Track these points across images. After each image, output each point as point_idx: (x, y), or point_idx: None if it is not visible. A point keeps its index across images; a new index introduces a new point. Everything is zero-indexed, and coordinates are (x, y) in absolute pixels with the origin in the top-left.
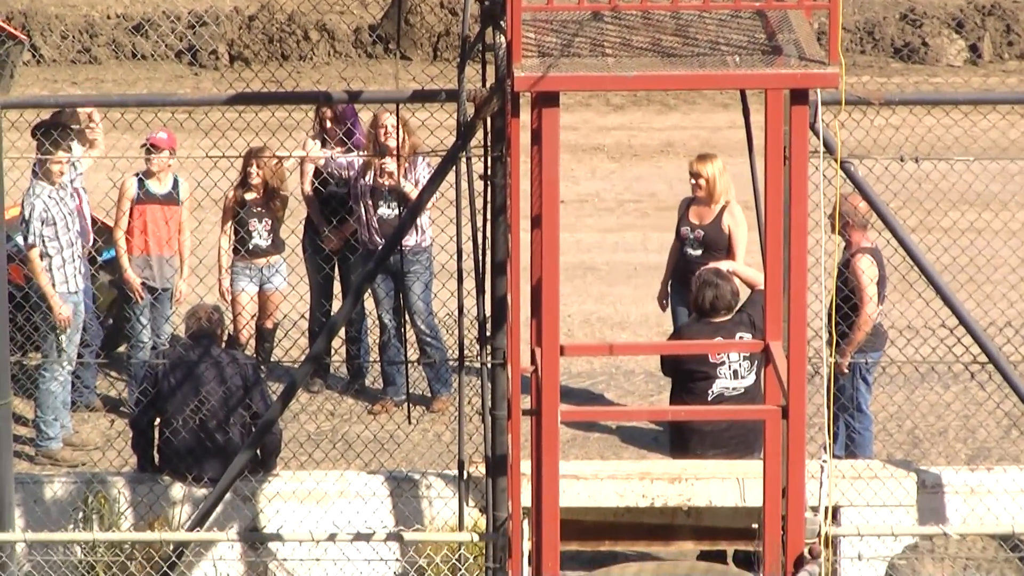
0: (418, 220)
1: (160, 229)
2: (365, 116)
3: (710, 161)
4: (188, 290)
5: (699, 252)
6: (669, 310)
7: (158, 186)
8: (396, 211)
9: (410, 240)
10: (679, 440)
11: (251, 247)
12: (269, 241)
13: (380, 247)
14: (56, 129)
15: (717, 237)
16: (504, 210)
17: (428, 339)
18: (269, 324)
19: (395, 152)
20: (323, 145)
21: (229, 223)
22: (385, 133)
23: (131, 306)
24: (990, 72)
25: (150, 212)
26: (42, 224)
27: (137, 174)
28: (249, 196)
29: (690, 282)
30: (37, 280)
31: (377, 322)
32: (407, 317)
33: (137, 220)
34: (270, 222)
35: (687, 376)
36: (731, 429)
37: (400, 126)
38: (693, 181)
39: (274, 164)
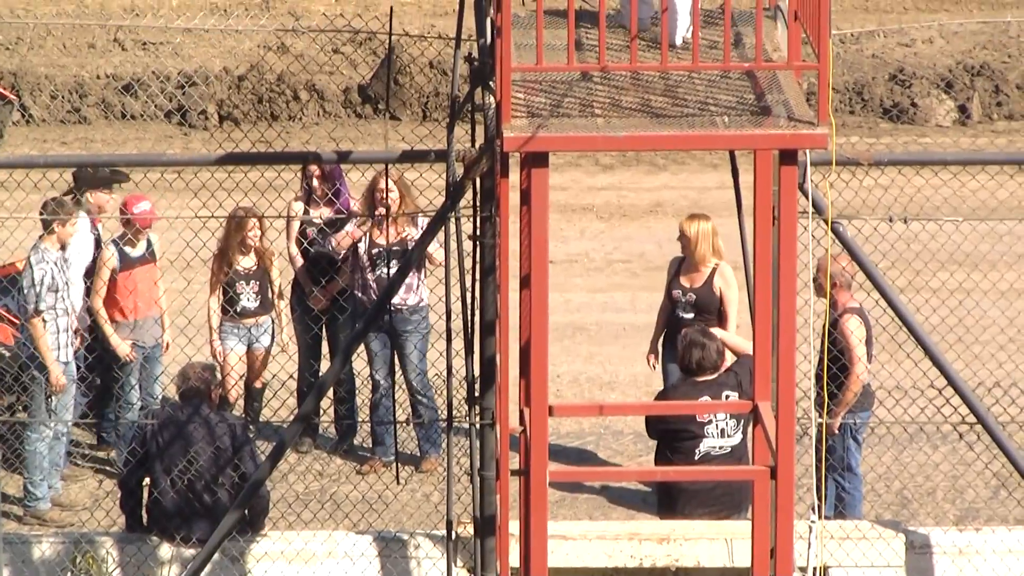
0: (416, 279)
1: (145, 291)
2: (354, 176)
3: (697, 220)
4: (176, 348)
5: (691, 315)
6: (660, 369)
7: (135, 249)
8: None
9: (410, 299)
10: (666, 500)
11: (239, 309)
12: (257, 303)
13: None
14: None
15: (709, 300)
16: (493, 270)
17: (421, 398)
18: (258, 384)
19: (392, 212)
20: (307, 205)
21: (218, 285)
22: (384, 195)
23: (120, 368)
24: (979, 132)
25: (132, 277)
26: (47, 291)
27: (113, 241)
28: (244, 260)
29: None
30: (39, 347)
31: (367, 382)
32: (399, 376)
33: (122, 286)
34: (258, 283)
35: (674, 436)
36: (719, 488)
37: (399, 186)
38: (683, 243)
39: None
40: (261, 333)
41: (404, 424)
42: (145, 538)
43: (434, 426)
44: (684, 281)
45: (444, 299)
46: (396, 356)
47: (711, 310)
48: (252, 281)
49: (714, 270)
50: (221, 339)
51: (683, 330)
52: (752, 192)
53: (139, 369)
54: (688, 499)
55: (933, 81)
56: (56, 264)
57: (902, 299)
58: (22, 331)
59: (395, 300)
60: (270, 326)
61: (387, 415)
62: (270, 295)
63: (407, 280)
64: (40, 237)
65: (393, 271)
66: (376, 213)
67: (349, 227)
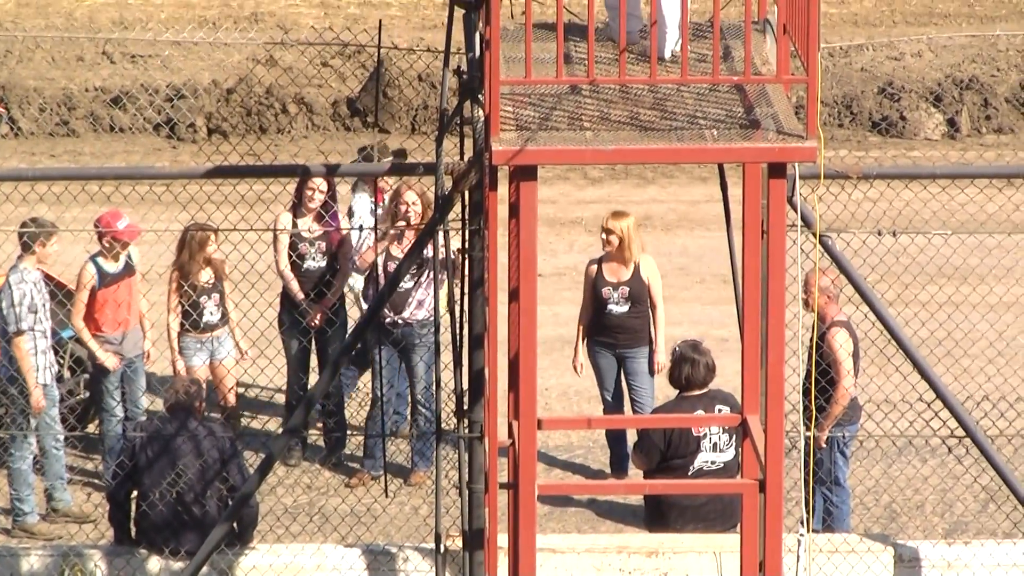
0: (427, 295)
1: (124, 305)
2: (342, 190)
3: (624, 217)
4: (157, 354)
5: (625, 308)
6: (592, 371)
7: (114, 265)
8: (411, 283)
9: (419, 314)
10: (657, 515)
11: (203, 323)
12: (219, 315)
13: (388, 319)
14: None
15: (640, 290)
16: (482, 283)
17: (424, 411)
18: (232, 399)
19: (414, 226)
20: (296, 217)
21: (177, 302)
22: (406, 208)
23: (105, 380)
24: (968, 146)
25: (113, 292)
26: (27, 312)
27: (92, 259)
28: (204, 276)
29: (614, 337)
30: (21, 368)
31: (355, 395)
32: (399, 389)
33: (102, 303)
34: (218, 296)
35: (672, 453)
36: (710, 503)
37: (421, 200)
38: (604, 237)
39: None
40: (219, 345)
41: (392, 438)
42: (134, 551)
43: (428, 439)
44: (611, 277)
45: (434, 313)
46: (404, 368)
47: (643, 300)
48: (213, 294)
49: (638, 262)
50: (187, 356)
51: (674, 346)
52: (741, 205)
53: (123, 380)
54: (678, 515)
55: (922, 95)
56: (35, 284)
57: (891, 312)
58: (3, 352)
59: (404, 314)
60: (226, 337)
61: (374, 428)
62: (227, 306)
63: (418, 296)
64: (19, 257)
65: (409, 284)
66: (384, 226)
67: (369, 242)
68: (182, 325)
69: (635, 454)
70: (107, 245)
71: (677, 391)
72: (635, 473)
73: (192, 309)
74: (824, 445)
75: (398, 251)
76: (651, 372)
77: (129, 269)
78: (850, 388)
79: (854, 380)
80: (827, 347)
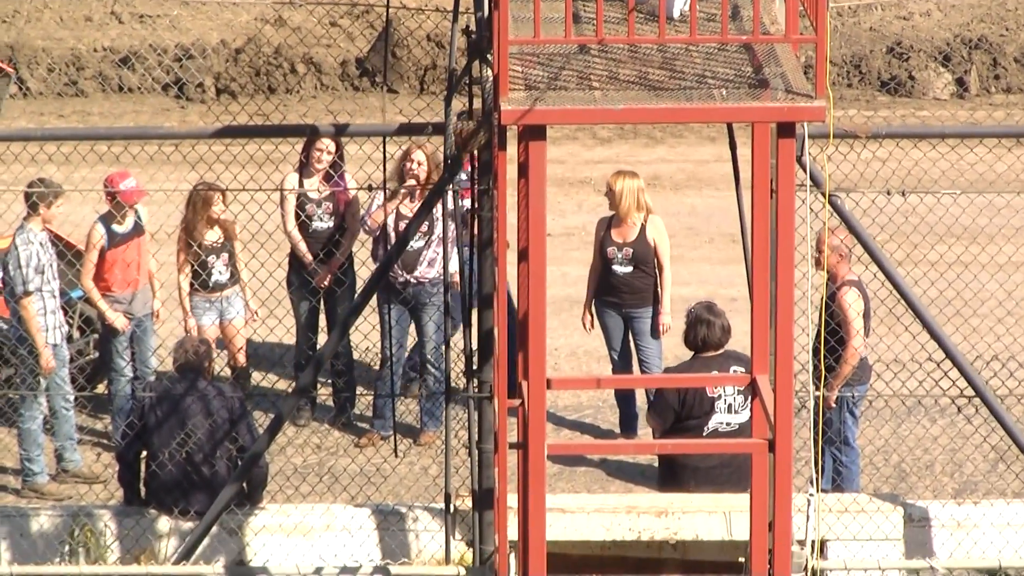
0: (438, 253)
1: (133, 265)
2: (351, 150)
3: (625, 177)
4: (166, 313)
5: (629, 269)
6: (600, 329)
7: (123, 226)
8: (422, 242)
9: (430, 273)
10: (669, 476)
11: (212, 283)
12: (228, 275)
13: (400, 280)
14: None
15: (645, 252)
16: (491, 243)
17: (433, 370)
18: (241, 359)
19: (421, 185)
20: (303, 177)
21: (185, 262)
22: (416, 166)
23: (115, 340)
24: (977, 106)
25: (122, 252)
26: (33, 272)
27: (100, 219)
28: (209, 234)
29: (620, 297)
30: (29, 329)
31: (366, 354)
32: (409, 348)
33: (111, 263)
34: (227, 256)
35: (684, 413)
36: (723, 466)
37: (429, 161)
38: (610, 198)
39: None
40: (229, 305)
41: (401, 397)
42: (143, 511)
43: (437, 399)
44: (616, 237)
45: (444, 273)
46: (414, 327)
47: (648, 261)
48: (222, 254)
49: (644, 223)
50: (196, 315)
51: (689, 308)
52: (750, 165)
53: (132, 340)
54: (690, 477)
55: (931, 54)
56: (41, 244)
57: (900, 272)
58: (12, 313)
59: (416, 273)
60: (236, 297)
61: (385, 388)
62: (237, 266)
63: (429, 255)
64: (25, 217)
65: (420, 244)
66: (392, 186)
67: (378, 202)
68: (192, 285)
69: (650, 414)
70: (113, 206)
71: (693, 352)
72: (644, 433)
73: (200, 269)
74: (834, 405)
75: (408, 211)
76: (656, 333)
77: (138, 229)
78: (860, 348)
79: (864, 340)
80: (837, 306)
